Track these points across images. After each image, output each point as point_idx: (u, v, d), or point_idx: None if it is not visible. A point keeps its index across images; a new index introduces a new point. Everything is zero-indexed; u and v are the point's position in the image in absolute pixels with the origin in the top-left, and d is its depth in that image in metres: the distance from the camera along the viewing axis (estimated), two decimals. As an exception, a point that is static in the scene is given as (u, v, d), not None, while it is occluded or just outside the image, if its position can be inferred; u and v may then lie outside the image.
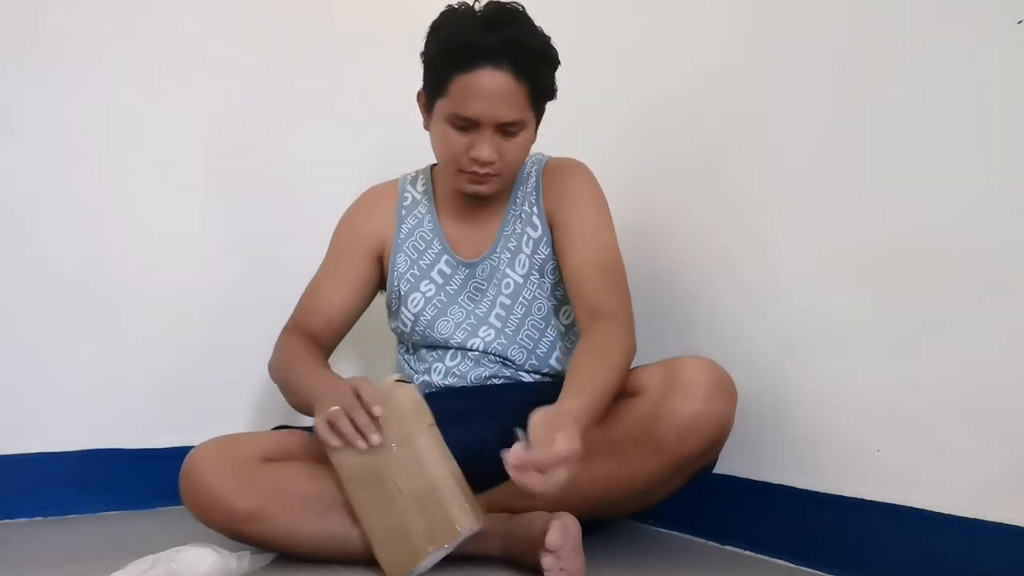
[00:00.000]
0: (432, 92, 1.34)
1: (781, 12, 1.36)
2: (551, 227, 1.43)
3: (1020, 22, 1.05)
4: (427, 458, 1.16)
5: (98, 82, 1.69)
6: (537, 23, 1.32)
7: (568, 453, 1.03)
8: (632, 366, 1.28)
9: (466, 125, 1.31)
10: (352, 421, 1.16)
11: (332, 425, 1.17)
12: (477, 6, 1.31)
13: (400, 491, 1.15)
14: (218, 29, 1.81)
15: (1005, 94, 1.07)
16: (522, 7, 1.33)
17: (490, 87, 1.27)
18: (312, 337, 1.44)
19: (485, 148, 1.31)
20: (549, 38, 1.33)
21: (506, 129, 1.31)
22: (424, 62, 1.34)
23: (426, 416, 1.21)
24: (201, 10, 1.79)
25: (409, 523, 1.15)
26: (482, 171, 1.34)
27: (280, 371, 1.39)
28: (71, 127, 1.67)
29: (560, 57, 1.33)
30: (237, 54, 1.83)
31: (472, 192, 1.39)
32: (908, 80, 1.17)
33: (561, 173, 1.45)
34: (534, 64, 1.29)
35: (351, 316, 1.49)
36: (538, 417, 1.07)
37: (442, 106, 1.32)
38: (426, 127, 1.39)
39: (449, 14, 1.32)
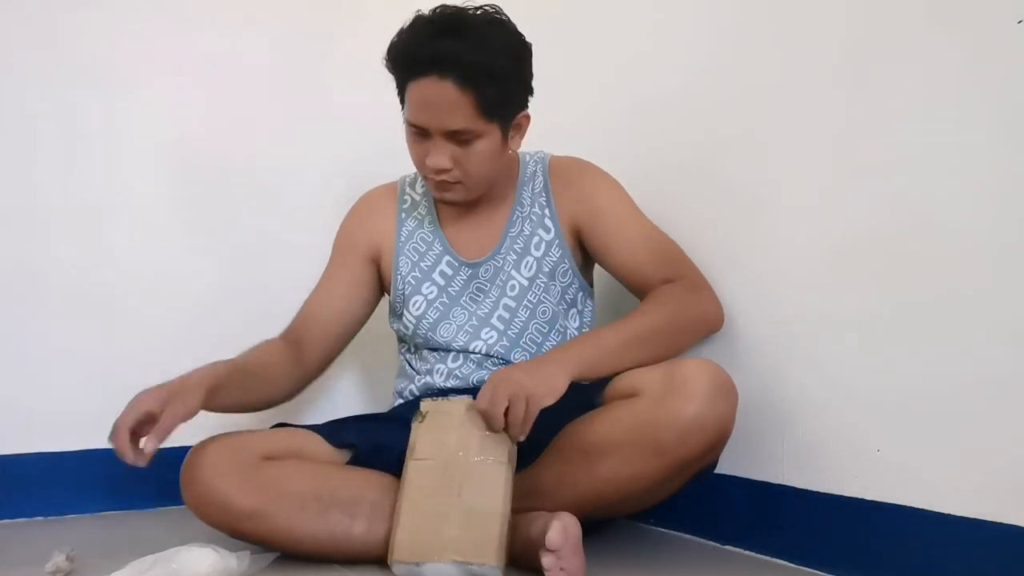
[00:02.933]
0: (400, 100, 1.35)
1: (782, 13, 1.36)
2: (578, 234, 1.44)
3: (1020, 22, 1.05)
4: (502, 487, 1.17)
5: (108, 83, 1.70)
6: (519, 23, 1.31)
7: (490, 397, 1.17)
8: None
9: (420, 133, 1.32)
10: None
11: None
12: (436, 12, 1.30)
13: (459, 495, 1.16)
14: (223, 31, 1.81)
15: (1005, 94, 1.07)
16: (493, 11, 1.31)
17: (433, 96, 1.27)
18: (297, 345, 1.44)
19: (436, 156, 1.31)
20: (516, 46, 1.31)
21: (457, 137, 1.30)
22: (386, 68, 1.34)
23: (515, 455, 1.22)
24: (206, 13, 1.79)
25: (448, 524, 1.15)
26: (438, 178, 1.34)
27: None
28: (80, 127, 1.68)
29: (527, 64, 1.32)
30: (241, 56, 1.83)
31: (439, 199, 1.40)
32: (908, 79, 1.17)
33: (573, 175, 1.45)
34: (478, 77, 1.26)
35: (350, 323, 1.49)
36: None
37: (404, 113, 1.34)
38: None
39: (408, 22, 1.31)
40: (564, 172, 1.46)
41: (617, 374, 1.27)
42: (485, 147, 1.32)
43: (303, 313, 1.48)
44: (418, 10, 1.31)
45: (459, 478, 1.17)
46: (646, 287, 1.37)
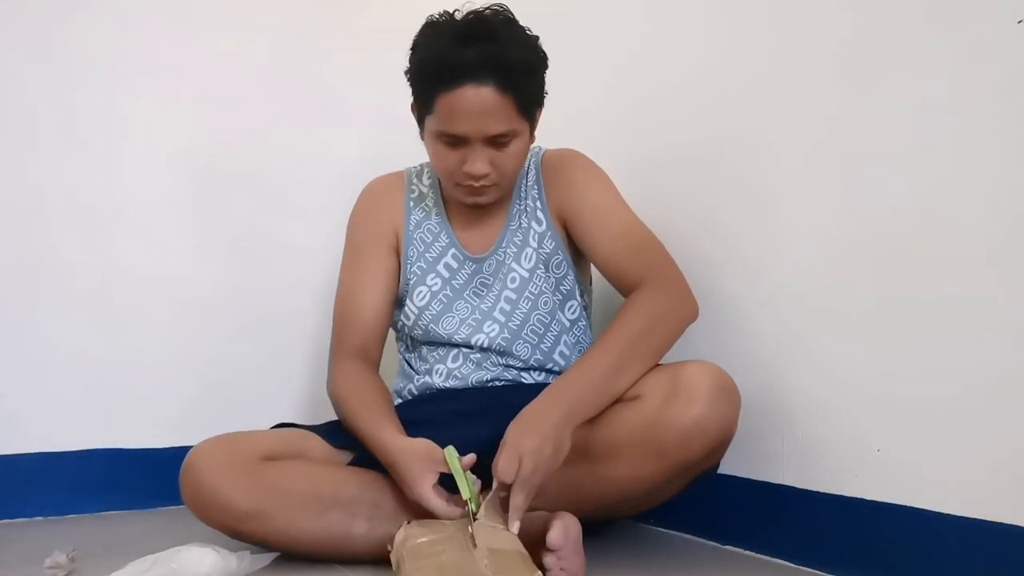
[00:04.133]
0: (420, 109, 1.34)
1: (784, 11, 1.36)
2: (565, 225, 1.44)
3: (1020, 22, 1.05)
4: (515, 539, 1.10)
5: (111, 84, 1.71)
6: (525, 21, 1.31)
7: (524, 480, 1.10)
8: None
9: (455, 142, 1.30)
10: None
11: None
12: (456, 17, 1.29)
13: (476, 546, 1.05)
14: (226, 33, 1.82)
15: (1005, 94, 1.07)
16: (504, 10, 1.30)
17: (474, 104, 1.25)
18: (364, 356, 1.41)
19: (478, 163, 1.30)
20: (535, 40, 1.31)
21: (497, 140, 1.30)
22: (408, 80, 1.33)
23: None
24: (209, 15, 1.80)
25: (476, 564, 1.04)
26: (478, 184, 1.33)
27: (345, 413, 1.35)
28: (83, 128, 1.68)
29: (548, 56, 1.32)
30: (244, 57, 1.83)
31: (472, 203, 1.39)
32: (909, 78, 1.17)
33: (560, 166, 1.45)
34: (516, 76, 1.26)
35: (389, 314, 1.47)
36: (507, 437, 1.13)
37: (430, 123, 1.32)
38: (422, 137, 1.38)
39: (426, 30, 1.31)
40: (553, 164, 1.47)
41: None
42: (519, 145, 1.33)
43: (350, 323, 1.43)
44: (430, 16, 1.31)
45: (469, 539, 1.06)
46: (622, 279, 1.35)
